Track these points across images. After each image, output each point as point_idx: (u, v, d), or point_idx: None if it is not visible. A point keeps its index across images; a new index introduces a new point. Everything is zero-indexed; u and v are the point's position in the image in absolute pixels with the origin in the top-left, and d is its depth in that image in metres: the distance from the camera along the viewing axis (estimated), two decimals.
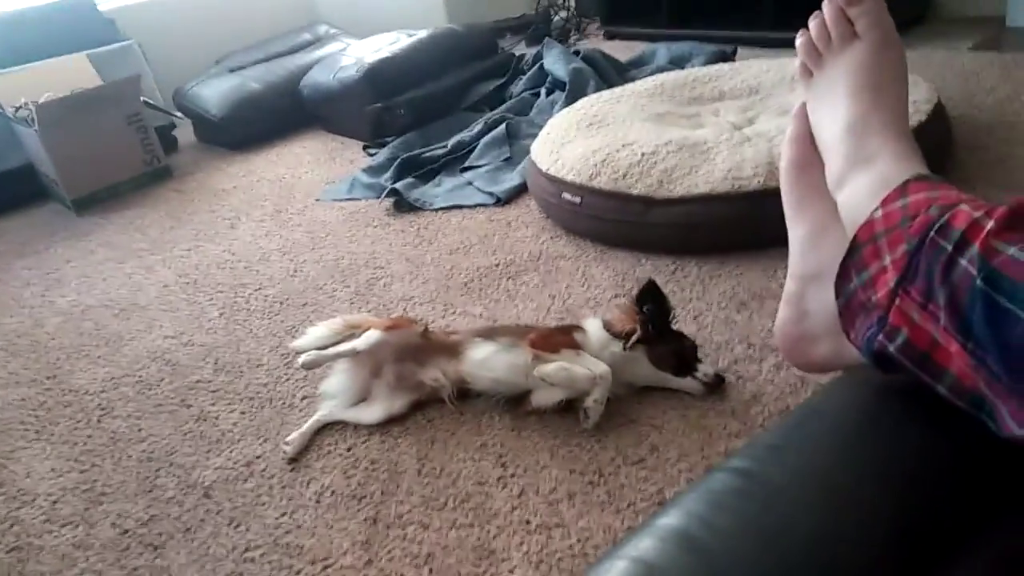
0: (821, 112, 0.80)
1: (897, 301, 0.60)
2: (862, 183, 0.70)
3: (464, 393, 1.34)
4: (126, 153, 2.91)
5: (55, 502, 1.32)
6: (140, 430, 1.47)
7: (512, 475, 1.17)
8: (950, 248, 0.54)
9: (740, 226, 1.60)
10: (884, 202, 0.64)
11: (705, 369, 1.25)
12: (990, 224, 0.52)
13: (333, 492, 1.21)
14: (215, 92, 3.26)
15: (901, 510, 0.54)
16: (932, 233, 0.56)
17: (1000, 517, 0.55)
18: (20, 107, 2.83)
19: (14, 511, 1.32)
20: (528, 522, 1.08)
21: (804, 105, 0.84)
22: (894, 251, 0.61)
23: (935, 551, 0.52)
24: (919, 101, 1.73)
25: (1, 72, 2.96)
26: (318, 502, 1.20)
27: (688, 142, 1.76)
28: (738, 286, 1.52)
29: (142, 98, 2.97)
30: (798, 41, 0.84)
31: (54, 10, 3.21)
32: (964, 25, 2.82)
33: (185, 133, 3.46)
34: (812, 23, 0.83)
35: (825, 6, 0.82)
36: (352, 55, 3.12)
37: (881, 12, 0.78)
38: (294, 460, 1.30)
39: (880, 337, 0.61)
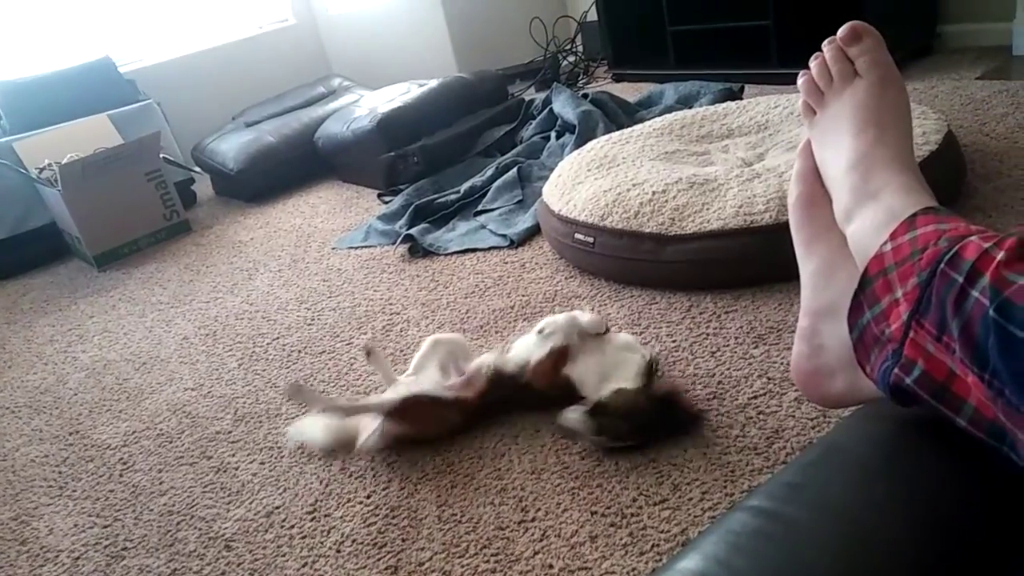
0: (826, 149, 0.81)
1: (911, 334, 0.60)
2: (870, 217, 0.70)
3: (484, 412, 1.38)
4: (146, 209, 2.97)
5: (77, 558, 1.32)
6: (161, 483, 1.47)
7: (533, 519, 1.16)
8: (961, 279, 0.54)
9: (753, 261, 1.60)
10: (893, 235, 0.64)
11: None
12: (1000, 255, 0.52)
13: (353, 541, 1.21)
14: (232, 146, 3.33)
15: (923, 547, 0.53)
16: (943, 265, 0.56)
17: None
18: (44, 168, 2.91)
19: (37, 568, 1.32)
20: (551, 566, 1.07)
21: (809, 142, 0.85)
22: (905, 284, 0.61)
23: None
24: (929, 132, 1.74)
25: (26, 135, 3.04)
26: (339, 551, 1.20)
27: (698, 179, 1.77)
28: (754, 320, 1.52)
29: (161, 155, 3.04)
30: (800, 80, 0.85)
31: (76, 73, 3.31)
32: (971, 55, 2.83)
33: (203, 187, 3.54)
34: (813, 63, 0.84)
35: (825, 46, 0.83)
36: (365, 106, 3.17)
37: (880, 51, 0.79)
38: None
39: (896, 370, 0.61)
